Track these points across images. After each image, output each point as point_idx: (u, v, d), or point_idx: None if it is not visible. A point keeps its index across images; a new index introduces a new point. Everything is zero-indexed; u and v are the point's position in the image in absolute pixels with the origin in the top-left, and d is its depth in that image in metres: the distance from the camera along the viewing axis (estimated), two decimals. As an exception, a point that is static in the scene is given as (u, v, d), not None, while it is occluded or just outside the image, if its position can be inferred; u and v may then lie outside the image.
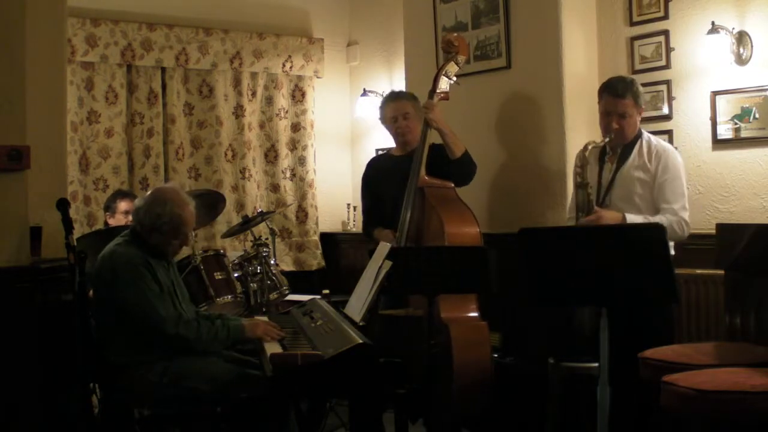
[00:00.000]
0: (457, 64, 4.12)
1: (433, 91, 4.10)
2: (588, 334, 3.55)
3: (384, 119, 4.33)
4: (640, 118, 3.70)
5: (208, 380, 3.20)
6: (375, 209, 4.32)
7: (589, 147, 3.62)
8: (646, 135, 3.70)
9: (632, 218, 3.52)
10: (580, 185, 3.61)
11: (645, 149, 3.65)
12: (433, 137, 4.10)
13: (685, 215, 3.58)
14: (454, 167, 4.06)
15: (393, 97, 4.34)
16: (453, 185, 4.07)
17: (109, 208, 4.77)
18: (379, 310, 3.78)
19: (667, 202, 3.55)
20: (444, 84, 4.09)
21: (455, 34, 4.31)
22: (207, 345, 3.26)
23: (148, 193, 3.51)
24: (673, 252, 3.56)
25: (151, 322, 3.20)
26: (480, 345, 3.72)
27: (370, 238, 4.38)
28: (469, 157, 4.09)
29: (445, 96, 4.10)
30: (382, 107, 4.34)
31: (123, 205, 4.73)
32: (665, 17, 4.26)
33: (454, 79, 4.12)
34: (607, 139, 3.63)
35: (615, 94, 3.63)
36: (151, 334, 3.21)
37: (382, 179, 4.30)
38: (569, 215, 3.92)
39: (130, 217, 4.68)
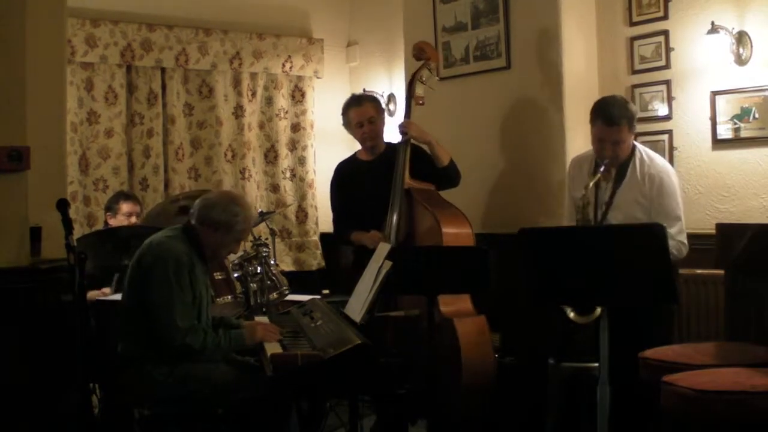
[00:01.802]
0: (429, 69, 4.18)
1: (409, 98, 4.15)
2: (586, 334, 3.56)
3: (348, 125, 4.27)
4: (633, 138, 3.66)
5: (211, 384, 3.19)
6: (348, 213, 4.30)
7: (591, 185, 3.55)
8: (638, 151, 3.66)
9: None
10: (583, 221, 3.56)
11: (638, 169, 3.61)
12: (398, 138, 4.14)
13: (683, 238, 3.56)
14: (441, 174, 4.10)
15: (356, 102, 4.27)
16: (434, 187, 4.10)
17: (111, 208, 4.77)
18: (375, 312, 3.79)
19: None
20: (420, 89, 4.15)
21: (424, 41, 4.35)
22: (210, 355, 3.23)
23: (216, 192, 3.49)
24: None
25: (164, 326, 3.15)
26: (483, 336, 3.76)
27: (344, 241, 4.37)
28: (455, 164, 4.13)
29: (422, 101, 4.17)
30: (345, 113, 4.27)
31: (125, 206, 4.73)
32: (665, 17, 4.26)
33: (427, 84, 4.17)
34: (602, 169, 3.56)
35: (609, 122, 3.54)
36: (161, 337, 3.16)
37: (354, 184, 4.27)
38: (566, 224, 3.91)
39: (132, 219, 4.72)
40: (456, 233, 3.85)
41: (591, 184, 3.55)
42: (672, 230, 3.49)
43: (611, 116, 3.55)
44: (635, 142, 3.70)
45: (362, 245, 4.11)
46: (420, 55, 4.21)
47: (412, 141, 4.09)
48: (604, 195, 3.65)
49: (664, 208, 3.54)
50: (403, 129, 4.07)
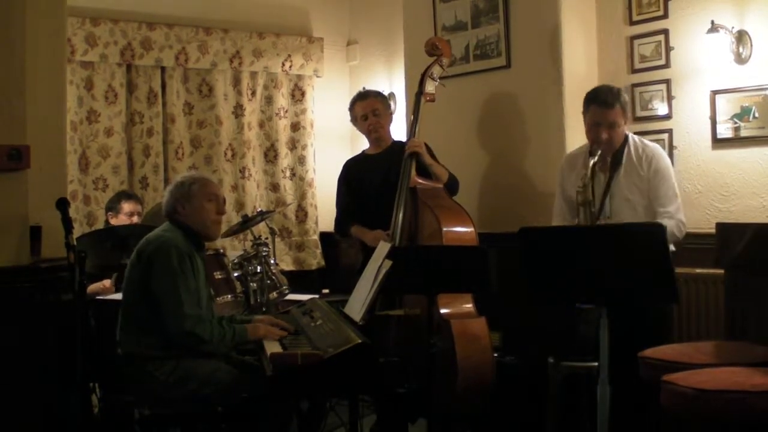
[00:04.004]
0: (441, 66, 4.20)
1: (419, 95, 4.16)
2: (593, 333, 3.55)
3: (355, 119, 4.42)
4: (626, 127, 3.72)
5: (211, 383, 3.20)
6: (353, 208, 4.36)
7: (590, 163, 3.56)
8: (630, 138, 3.72)
9: None
10: (584, 203, 3.56)
11: (634, 154, 3.66)
12: (400, 136, 4.22)
13: (682, 216, 3.61)
14: None
15: (361, 96, 4.42)
16: (442, 185, 4.10)
17: (113, 208, 4.78)
18: (376, 311, 3.79)
19: (662, 205, 3.58)
20: (430, 86, 4.17)
21: (438, 37, 4.39)
22: (215, 347, 3.24)
23: None
24: (673, 248, 3.57)
25: (171, 313, 3.16)
26: (481, 339, 3.74)
27: (344, 235, 4.41)
28: (452, 177, 4.16)
29: (432, 98, 4.17)
30: (352, 107, 4.42)
31: (127, 206, 4.74)
32: (665, 16, 4.26)
33: (438, 80, 4.18)
34: (599, 152, 3.59)
35: (604, 105, 3.62)
36: (167, 326, 3.18)
37: (362, 179, 4.35)
38: (555, 224, 3.91)
39: (134, 218, 4.73)
40: (457, 233, 3.84)
41: (591, 163, 3.55)
42: (671, 208, 3.58)
43: (605, 99, 3.63)
44: (627, 132, 3.73)
45: (363, 243, 4.14)
46: (432, 51, 4.22)
47: (423, 161, 4.09)
48: (601, 186, 3.66)
49: (662, 188, 3.60)
50: (412, 144, 4.07)
